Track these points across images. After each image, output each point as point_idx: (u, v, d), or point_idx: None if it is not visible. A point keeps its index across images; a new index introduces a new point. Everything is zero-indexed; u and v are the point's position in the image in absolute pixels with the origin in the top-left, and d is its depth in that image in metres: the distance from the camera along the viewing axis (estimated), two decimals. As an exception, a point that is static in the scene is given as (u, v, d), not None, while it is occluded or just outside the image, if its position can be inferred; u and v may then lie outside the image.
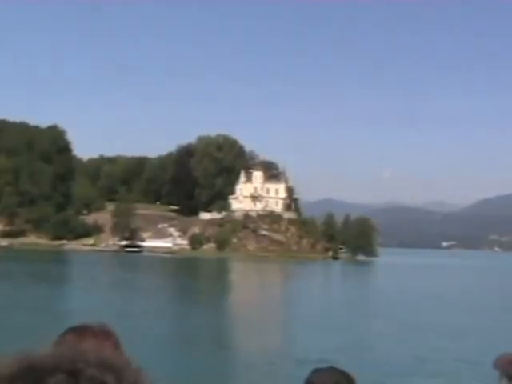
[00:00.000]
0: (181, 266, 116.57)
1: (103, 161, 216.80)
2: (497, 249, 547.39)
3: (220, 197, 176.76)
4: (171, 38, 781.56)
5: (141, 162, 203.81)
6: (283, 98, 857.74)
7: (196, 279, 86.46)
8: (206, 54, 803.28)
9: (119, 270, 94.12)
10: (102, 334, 2.09)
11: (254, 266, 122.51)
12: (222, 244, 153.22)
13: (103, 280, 74.68)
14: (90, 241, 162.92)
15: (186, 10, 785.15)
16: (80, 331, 2.10)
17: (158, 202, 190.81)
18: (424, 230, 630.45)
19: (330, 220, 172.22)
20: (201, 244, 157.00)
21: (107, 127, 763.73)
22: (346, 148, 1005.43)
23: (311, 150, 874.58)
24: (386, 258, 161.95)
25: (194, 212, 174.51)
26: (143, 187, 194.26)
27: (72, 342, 2.06)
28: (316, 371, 2.20)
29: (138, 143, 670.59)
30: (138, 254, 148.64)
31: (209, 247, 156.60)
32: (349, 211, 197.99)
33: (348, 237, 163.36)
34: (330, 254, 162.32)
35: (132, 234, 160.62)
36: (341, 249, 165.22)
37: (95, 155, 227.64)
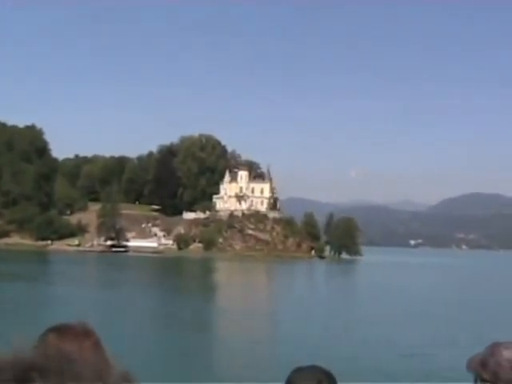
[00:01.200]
0: (168, 266, 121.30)
1: (80, 160, 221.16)
2: (464, 247, 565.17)
3: (203, 197, 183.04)
4: (148, 33, 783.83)
5: (120, 162, 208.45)
6: (249, 96, 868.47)
7: (183, 279, 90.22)
8: (186, 51, 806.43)
9: (109, 270, 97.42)
10: (83, 333, 2.08)
11: (241, 265, 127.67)
12: (208, 244, 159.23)
13: (92, 279, 78.74)
14: (75, 241, 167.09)
15: (167, 7, 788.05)
16: (60, 332, 2.10)
17: (137, 202, 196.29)
18: (392, 228, 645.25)
19: (310, 219, 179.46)
20: (187, 244, 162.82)
21: (81, 127, 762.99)
22: (312, 147, 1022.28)
23: (277, 149, 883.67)
24: (370, 257, 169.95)
25: (177, 212, 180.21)
26: (124, 187, 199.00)
27: (53, 342, 2.08)
28: (297, 371, 2.17)
29: (114, 143, 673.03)
30: (124, 253, 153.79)
31: (195, 247, 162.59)
32: (317, 210, 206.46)
33: (333, 236, 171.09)
34: (313, 253, 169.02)
35: (117, 234, 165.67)
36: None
37: (70, 155, 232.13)
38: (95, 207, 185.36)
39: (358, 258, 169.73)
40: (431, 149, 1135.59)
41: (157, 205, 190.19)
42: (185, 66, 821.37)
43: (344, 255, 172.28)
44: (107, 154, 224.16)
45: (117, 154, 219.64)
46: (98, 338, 2.12)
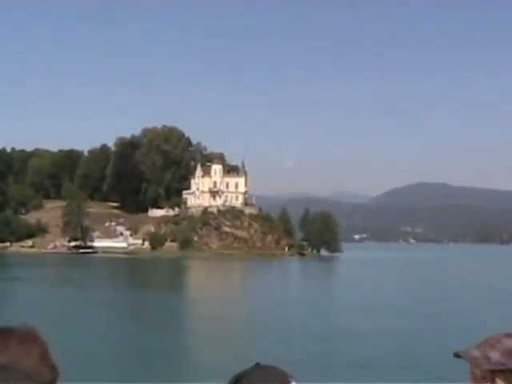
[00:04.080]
0: (145, 267, 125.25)
1: (21, 155, 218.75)
2: (412, 241, 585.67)
3: (169, 192, 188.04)
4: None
5: (70, 156, 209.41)
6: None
7: (163, 282, 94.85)
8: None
9: (81, 274, 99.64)
10: (29, 338, 2.00)
11: (222, 265, 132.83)
12: (183, 243, 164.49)
13: (64, 285, 79.43)
14: (29, 242, 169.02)
15: None
16: (4, 336, 2.00)
17: (89, 199, 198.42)
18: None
19: (285, 215, 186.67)
20: (161, 243, 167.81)
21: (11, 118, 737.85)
22: (244, 133, 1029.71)
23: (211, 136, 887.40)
24: (351, 254, 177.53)
25: (140, 209, 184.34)
26: (78, 183, 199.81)
27: None
28: (257, 365, 2.16)
29: (53, 136, 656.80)
30: (92, 255, 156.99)
31: (168, 246, 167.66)
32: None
33: (310, 232, 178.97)
34: (288, 250, 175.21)
35: (83, 235, 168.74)
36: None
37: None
38: (51, 205, 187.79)
39: (338, 254, 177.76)
40: (371, 137, 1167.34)
41: (116, 202, 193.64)
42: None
43: (323, 252, 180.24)
44: (49, 148, 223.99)
45: (55, 148, 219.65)
46: (45, 343, 2.04)
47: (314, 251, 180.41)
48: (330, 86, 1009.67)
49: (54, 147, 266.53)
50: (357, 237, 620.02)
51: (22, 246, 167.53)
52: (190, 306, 63.45)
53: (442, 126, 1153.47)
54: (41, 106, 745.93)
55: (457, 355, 2.37)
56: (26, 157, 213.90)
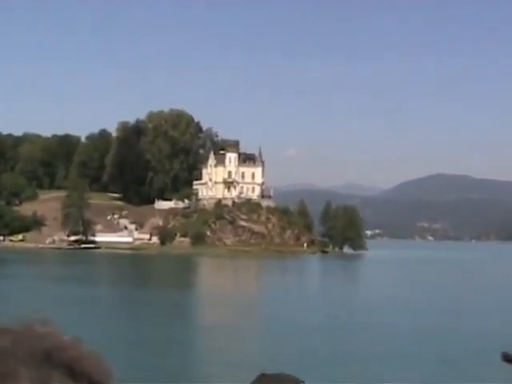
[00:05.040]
0: (156, 265, 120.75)
1: (8, 140, 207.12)
2: (430, 238, 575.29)
3: (176, 182, 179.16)
4: None
5: (65, 142, 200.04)
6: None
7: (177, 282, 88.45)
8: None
9: (86, 271, 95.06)
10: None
11: (239, 263, 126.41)
12: (195, 238, 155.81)
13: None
14: (19, 236, 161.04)
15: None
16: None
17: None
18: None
19: (303, 208, 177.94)
20: (171, 238, 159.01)
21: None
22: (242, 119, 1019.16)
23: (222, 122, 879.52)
24: (375, 252, 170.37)
25: (144, 200, 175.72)
26: (75, 172, 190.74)
27: None
28: (262, 376, 2.13)
29: (45, 120, 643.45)
30: (94, 251, 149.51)
31: (179, 242, 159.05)
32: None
33: (332, 228, 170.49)
34: (305, 247, 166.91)
35: (85, 228, 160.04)
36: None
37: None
38: (46, 196, 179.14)
39: (363, 252, 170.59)
40: (380, 123, 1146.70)
41: (116, 192, 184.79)
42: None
43: (346, 249, 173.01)
44: (40, 132, 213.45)
45: (46, 133, 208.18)
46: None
47: (336, 248, 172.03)
48: (331, 68, 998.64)
49: (44, 132, 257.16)
50: (369, 233, 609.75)
51: (12, 241, 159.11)
52: (202, 308, 60.42)
53: (465, 113, 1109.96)
54: (29, 85, 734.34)
55: (506, 356, 2.41)
56: (14, 142, 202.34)
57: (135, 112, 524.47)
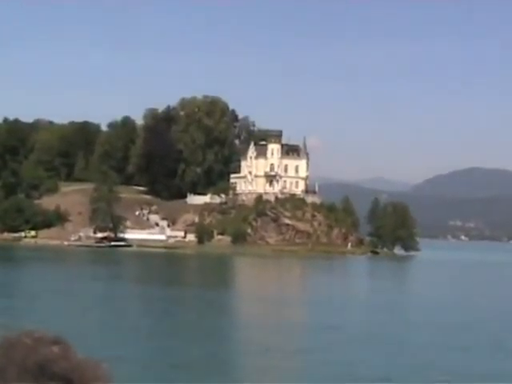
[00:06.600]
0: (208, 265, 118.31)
1: (20, 126, 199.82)
2: (463, 237, 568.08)
3: (210, 175, 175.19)
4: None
5: (84, 130, 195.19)
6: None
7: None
8: None
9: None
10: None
11: (286, 264, 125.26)
12: (235, 236, 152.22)
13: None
14: (31, 232, 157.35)
15: None
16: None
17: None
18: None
19: (348, 205, 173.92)
20: (210, 236, 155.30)
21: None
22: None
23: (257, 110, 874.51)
24: (429, 253, 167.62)
25: (175, 195, 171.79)
26: (96, 163, 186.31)
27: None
28: None
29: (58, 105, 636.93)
30: (126, 249, 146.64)
31: (218, 240, 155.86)
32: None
33: (381, 227, 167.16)
34: (349, 246, 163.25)
35: (114, 225, 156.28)
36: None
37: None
38: (67, 188, 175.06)
39: (416, 253, 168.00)
40: (409, 112, 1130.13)
41: (143, 185, 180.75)
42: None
43: (397, 250, 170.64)
44: (57, 120, 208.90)
45: (61, 120, 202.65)
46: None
47: (386, 249, 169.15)
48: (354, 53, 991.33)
49: (56, 119, 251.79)
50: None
51: (25, 237, 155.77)
52: (248, 312, 59.18)
53: (503, 103, 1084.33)
54: (42, 69, 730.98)
55: None
56: (28, 130, 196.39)
57: (161, 98, 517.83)
